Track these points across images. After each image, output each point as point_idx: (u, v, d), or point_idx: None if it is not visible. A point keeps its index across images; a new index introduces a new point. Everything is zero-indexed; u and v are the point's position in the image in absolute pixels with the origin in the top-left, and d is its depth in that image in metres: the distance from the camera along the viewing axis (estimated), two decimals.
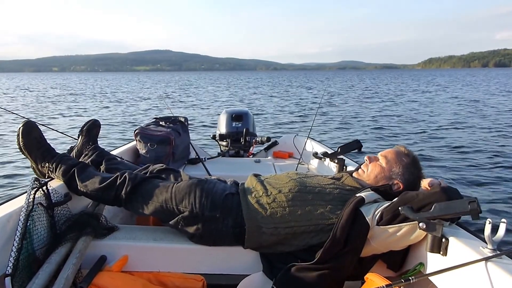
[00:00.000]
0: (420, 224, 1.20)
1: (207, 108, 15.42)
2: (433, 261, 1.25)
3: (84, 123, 2.14)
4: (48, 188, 1.54)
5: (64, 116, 12.71)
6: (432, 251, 1.23)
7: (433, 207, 1.20)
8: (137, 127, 2.76)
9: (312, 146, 3.16)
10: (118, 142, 7.40)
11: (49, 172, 1.77)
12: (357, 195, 1.43)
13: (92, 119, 2.15)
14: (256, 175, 1.72)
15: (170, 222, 1.55)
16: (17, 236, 1.29)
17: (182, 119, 3.03)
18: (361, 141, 2.42)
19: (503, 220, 1.09)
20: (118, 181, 1.62)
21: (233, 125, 3.47)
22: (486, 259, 1.05)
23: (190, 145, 3.07)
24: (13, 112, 2.77)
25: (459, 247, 1.17)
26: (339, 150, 2.42)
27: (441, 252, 1.21)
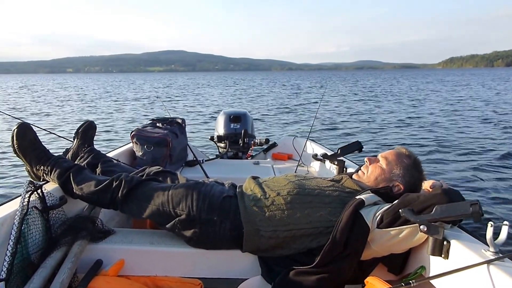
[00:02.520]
0: (421, 227, 1.19)
1: (206, 109, 15.39)
2: (435, 264, 1.24)
3: (79, 124, 2.12)
4: (43, 191, 1.52)
5: (59, 118, 12.65)
6: (433, 254, 1.22)
7: (434, 209, 1.18)
8: (134, 129, 2.73)
9: (312, 148, 3.15)
10: (114, 144, 7.37)
11: (44, 174, 1.74)
12: (357, 197, 1.42)
13: (88, 121, 2.13)
14: (254, 178, 1.70)
15: (167, 226, 1.53)
16: (11, 240, 1.28)
17: (180, 121, 3.00)
18: (362, 142, 2.41)
19: (505, 222, 1.08)
20: (114, 184, 1.60)
21: (232, 126, 3.45)
22: (488, 262, 1.04)
23: (188, 147, 3.04)
24: (8, 114, 2.73)
25: (461, 250, 1.15)
26: (339, 152, 2.40)
27: (442, 255, 1.20)
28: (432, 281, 1.19)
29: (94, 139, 2.15)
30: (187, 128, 3.12)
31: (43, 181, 1.75)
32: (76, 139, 2.09)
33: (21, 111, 14.77)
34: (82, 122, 2.13)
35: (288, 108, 15.61)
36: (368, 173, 1.59)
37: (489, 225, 1.08)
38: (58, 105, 17.58)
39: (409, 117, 11.98)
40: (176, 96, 23.82)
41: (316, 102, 17.50)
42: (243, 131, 3.35)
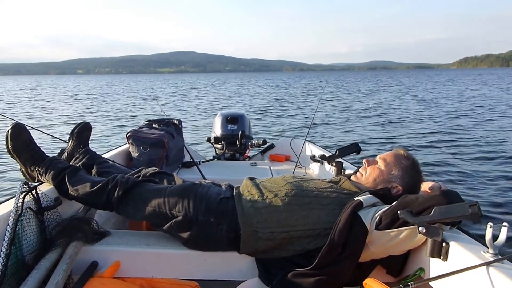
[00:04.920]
0: (420, 228, 1.18)
1: (203, 110, 15.36)
2: (434, 266, 1.23)
3: (75, 125, 2.10)
4: (38, 192, 1.50)
5: (54, 119, 12.58)
6: (432, 255, 1.21)
7: (433, 210, 1.18)
8: (130, 130, 2.72)
9: (310, 149, 3.14)
10: (110, 145, 7.33)
11: (39, 175, 1.72)
12: (355, 198, 1.41)
13: (83, 122, 2.11)
14: (251, 179, 1.69)
15: (164, 227, 1.52)
16: (5, 242, 1.26)
17: (176, 122, 2.99)
18: (360, 144, 2.40)
19: (504, 224, 1.07)
20: (110, 185, 1.58)
21: (229, 127, 3.43)
22: (487, 264, 1.04)
23: (184, 148, 3.03)
24: (2, 114, 2.70)
25: (460, 252, 1.15)
26: (337, 153, 2.39)
27: (441, 257, 1.19)
28: (431, 283, 1.19)
29: (89, 140, 2.13)
30: (184, 129, 3.10)
31: (37, 182, 1.73)
32: (71, 140, 2.06)
33: (17, 112, 14.69)
34: (77, 123, 2.11)
35: (286, 108, 15.61)
36: (367, 175, 1.58)
37: (488, 226, 1.07)
38: (55, 106, 17.50)
39: (409, 118, 11.98)
40: (173, 97, 23.76)
41: (319, 99, 17.46)
42: (240, 132, 3.33)
